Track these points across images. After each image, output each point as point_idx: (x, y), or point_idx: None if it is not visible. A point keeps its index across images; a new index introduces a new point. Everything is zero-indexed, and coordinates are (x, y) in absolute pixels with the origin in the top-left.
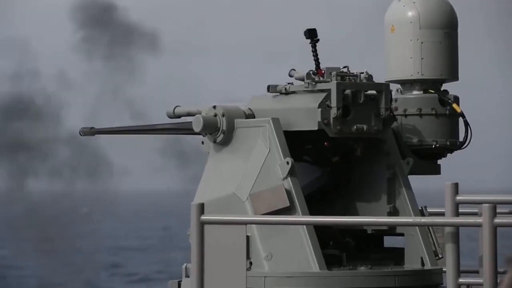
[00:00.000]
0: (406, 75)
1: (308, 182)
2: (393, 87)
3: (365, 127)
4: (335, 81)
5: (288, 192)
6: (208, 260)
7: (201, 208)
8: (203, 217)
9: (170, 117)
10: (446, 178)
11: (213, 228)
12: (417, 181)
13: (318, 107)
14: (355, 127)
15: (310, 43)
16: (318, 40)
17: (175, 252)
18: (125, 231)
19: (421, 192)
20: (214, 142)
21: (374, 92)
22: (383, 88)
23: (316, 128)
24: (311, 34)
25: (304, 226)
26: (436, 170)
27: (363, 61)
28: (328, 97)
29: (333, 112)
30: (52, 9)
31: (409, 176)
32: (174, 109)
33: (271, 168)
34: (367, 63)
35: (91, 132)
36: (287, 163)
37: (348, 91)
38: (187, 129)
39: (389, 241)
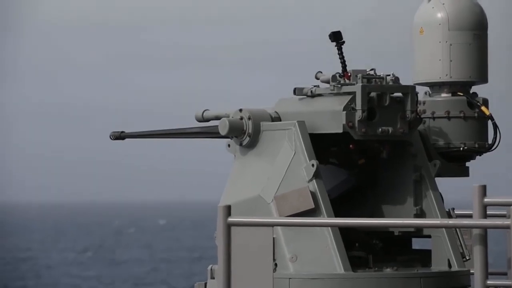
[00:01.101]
0: (435, 77)
1: (335, 184)
2: (422, 89)
3: (390, 129)
4: (360, 84)
5: (313, 194)
6: (235, 262)
7: (228, 210)
8: (230, 219)
9: (199, 121)
10: (477, 181)
11: (240, 230)
12: (446, 184)
13: (343, 110)
14: (380, 129)
15: (335, 45)
16: (343, 42)
17: None
18: None
19: (450, 194)
20: (240, 145)
21: (400, 94)
22: (409, 90)
23: (341, 130)
24: (336, 37)
25: (329, 228)
26: (464, 173)
27: (391, 64)
28: (353, 100)
29: (358, 114)
30: None
31: (438, 179)
32: (203, 112)
33: (296, 170)
34: (395, 66)
35: (121, 136)
36: (312, 165)
37: (373, 94)
38: (215, 133)
39: (417, 243)
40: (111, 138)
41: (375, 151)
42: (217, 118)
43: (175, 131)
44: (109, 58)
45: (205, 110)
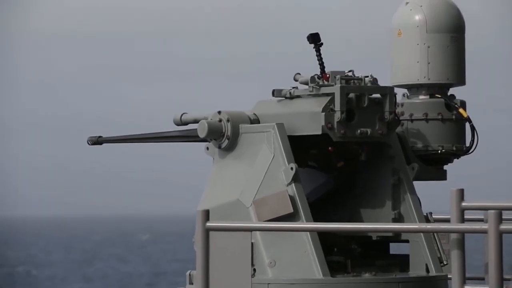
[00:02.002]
0: (413, 79)
1: (314, 187)
2: (400, 91)
3: (369, 131)
4: (339, 85)
5: (292, 198)
6: (213, 266)
7: (207, 215)
8: (208, 224)
9: (177, 124)
10: (454, 184)
11: (218, 235)
12: (423, 187)
13: (322, 111)
14: (359, 131)
15: (314, 47)
16: (321, 44)
17: None
18: None
19: (427, 198)
20: (219, 147)
21: (378, 95)
22: (388, 91)
23: (320, 132)
24: (314, 39)
25: (308, 232)
26: (442, 176)
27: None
28: (332, 101)
29: (337, 116)
30: None
31: (415, 182)
32: (181, 116)
33: (275, 174)
34: (373, 68)
35: (99, 141)
36: (291, 168)
37: (352, 95)
38: (193, 136)
39: (396, 248)
40: (88, 143)
41: (354, 153)
42: (196, 121)
43: (153, 135)
44: (100, 68)
45: (183, 113)
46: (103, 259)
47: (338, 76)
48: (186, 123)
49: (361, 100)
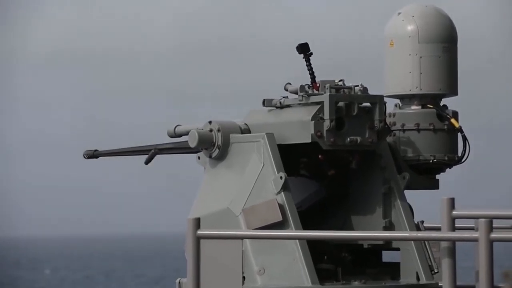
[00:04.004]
0: (405, 90)
1: (306, 196)
2: (392, 102)
3: (359, 139)
4: (328, 93)
5: (281, 207)
6: (204, 274)
7: (197, 223)
8: (199, 232)
9: (171, 136)
10: (446, 193)
11: (209, 243)
12: (416, 196)
13: (311, 120)
14: (348, 139)
15: (303, 57)
16: (311, 53)
17: None
18: None
19: (419, 206)
20: (210, 157)
21: (368, 104)
22: (377, 100)
23: (309, 140)
24: (304, 49)
25: (297, 240)
26: (434, 185)
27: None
28: (321, 110)
29: (326, 124)
30: None
31: (408, 191)
32: (175, 128)
33: (265, 182)
34: (365, 78)
35: (95, 154)
36: (281, 177)
37: (341, 104)
38: (187, 148)
39: (388, 256)
40: (84, 157)
41: (345, 161)
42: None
43: (148, 148)
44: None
45: (177, 125)
46: None
47: (327, 85)
48: (180, 135)
49: (351, 108)
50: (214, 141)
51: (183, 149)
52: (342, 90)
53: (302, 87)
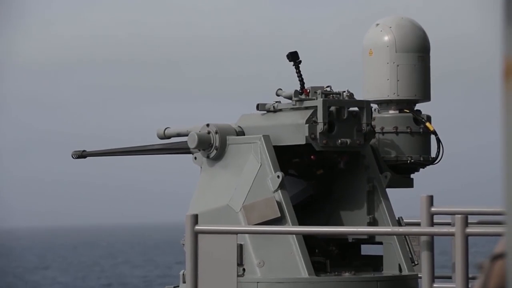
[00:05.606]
0: (383, 95)
1: (294, 194)
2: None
3: (348, 141)
4: (321, 99)
5: (279, 204)
6: (202, 267)
7: (195, 219)
8: (197, 227)
9: (161, 138)
10: (419, 191)
11: (207, 238)
12: (391, 194)
13: (306, 123)
14: (339, 141)
15: (293, 65)
16: (300, 61)
17: None
18: None
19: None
20: (207, 157)
21: (356, 108)
22: (365, 104)
23: (303, 142)
24: (293, 57)
25: (294, 235)
26: (409, 184)
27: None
28: (314, 114)
29: (320, 127)
30: None
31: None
32: (165, 130)
33: (262, 181)
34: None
35: (83, 154)
36: (278, 176)
37: (332, 108)
38: (179, 149)
39: (367, 249)
40: (73, 157)
41: (333, 162)
42: (179, 135)
43: (137, 148)
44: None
45: (167, 127)
46: None
47: (319, 91)
48: (169, 137)
49: (341, 112)
50: (212, 142)
51: (173, 150)
52: (331, 95)
53: (296, 92)
